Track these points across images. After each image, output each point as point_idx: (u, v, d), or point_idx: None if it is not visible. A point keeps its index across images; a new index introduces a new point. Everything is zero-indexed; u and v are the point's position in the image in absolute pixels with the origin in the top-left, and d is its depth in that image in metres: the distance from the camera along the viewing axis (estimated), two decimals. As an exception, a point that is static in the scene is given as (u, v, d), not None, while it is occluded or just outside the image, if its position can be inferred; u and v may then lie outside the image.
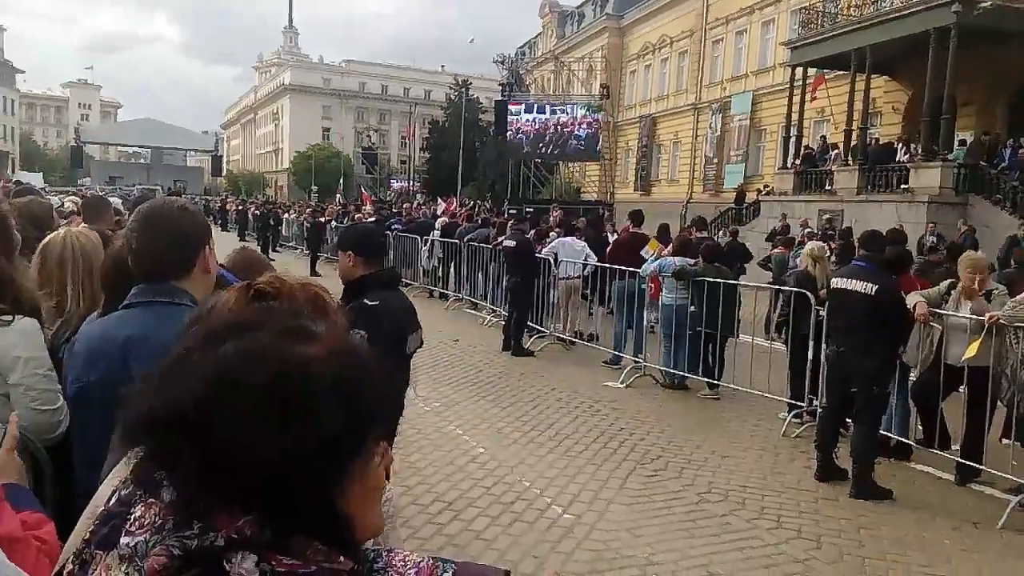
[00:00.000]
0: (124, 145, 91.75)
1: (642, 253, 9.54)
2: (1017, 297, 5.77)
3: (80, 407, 1.98)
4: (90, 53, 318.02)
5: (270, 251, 23.64)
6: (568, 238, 11.33)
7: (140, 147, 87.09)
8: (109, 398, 1.69)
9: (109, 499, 0.90)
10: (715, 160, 35.47)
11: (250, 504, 0.79)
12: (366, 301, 2.96)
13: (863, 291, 5.67)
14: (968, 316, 5.87)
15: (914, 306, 5.96)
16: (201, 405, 0.78)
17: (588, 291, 11.10)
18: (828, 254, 13.51)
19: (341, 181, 41.80)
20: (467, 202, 37.95)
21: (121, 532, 0.83)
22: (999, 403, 5.75)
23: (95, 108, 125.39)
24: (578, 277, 10.99)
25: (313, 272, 18.71)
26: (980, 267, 6.13)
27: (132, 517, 0.83)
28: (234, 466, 0.78)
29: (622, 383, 8.80)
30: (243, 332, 0.85)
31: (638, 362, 9.19)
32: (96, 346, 1.91)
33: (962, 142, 20.39)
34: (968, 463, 5.79)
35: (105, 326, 1.94)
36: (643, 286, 9.30)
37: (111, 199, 6.53)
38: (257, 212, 30.05)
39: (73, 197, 7.92)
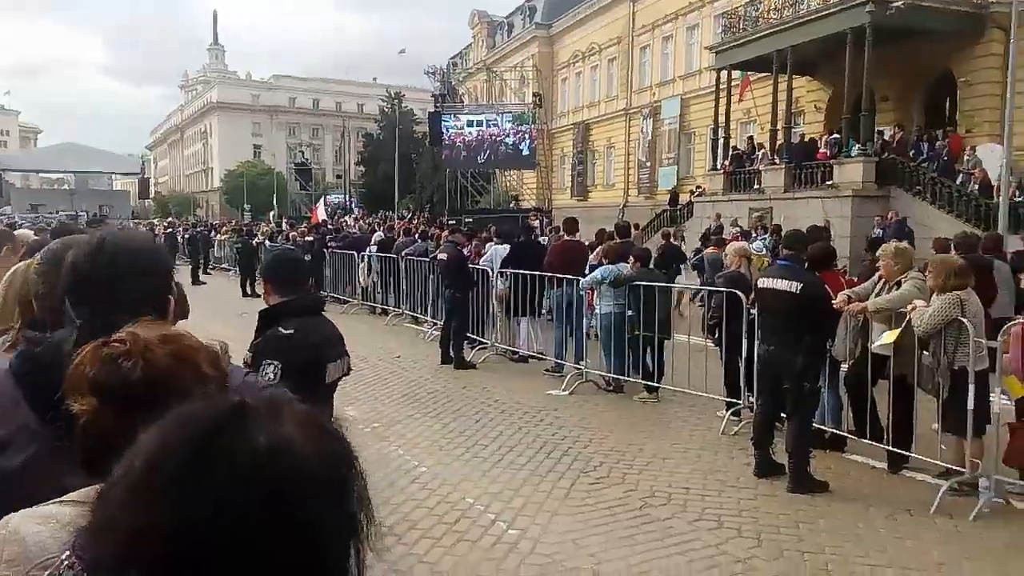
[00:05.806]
0: (46, 171, 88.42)
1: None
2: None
3: None
4: (7, 77, 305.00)
5: (201, 275, 23.03)
6: (500, 247, 11.29)
7: (63, 173, 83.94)
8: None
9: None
10: (648, 164, 36.02)
11: None
12: (280, 330, 2.85)
13: (788, 289, 5.78)
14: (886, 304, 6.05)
15: (841, 301, 6.12)
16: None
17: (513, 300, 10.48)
18: (764, 251, 13.71)
19: (275, 199, 40.71)
20: (404, 215, 37.74)
21: None
22: (923, 392, 5.91)
23: (13, 134, 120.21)
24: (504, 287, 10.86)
25: (245, 294, 18.29)
26: (886, 253, 6.32)
27: None
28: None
29: (565, 391, 8.80)
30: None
31: (580, 369, 9.22)
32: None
33: (880, 132, 21.16)
34: (897, 451, 5.94)
35: None
36: (581, 292, 9.34)
37: (22, 230, 6.22)
38: (186, 235, 29.18)
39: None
